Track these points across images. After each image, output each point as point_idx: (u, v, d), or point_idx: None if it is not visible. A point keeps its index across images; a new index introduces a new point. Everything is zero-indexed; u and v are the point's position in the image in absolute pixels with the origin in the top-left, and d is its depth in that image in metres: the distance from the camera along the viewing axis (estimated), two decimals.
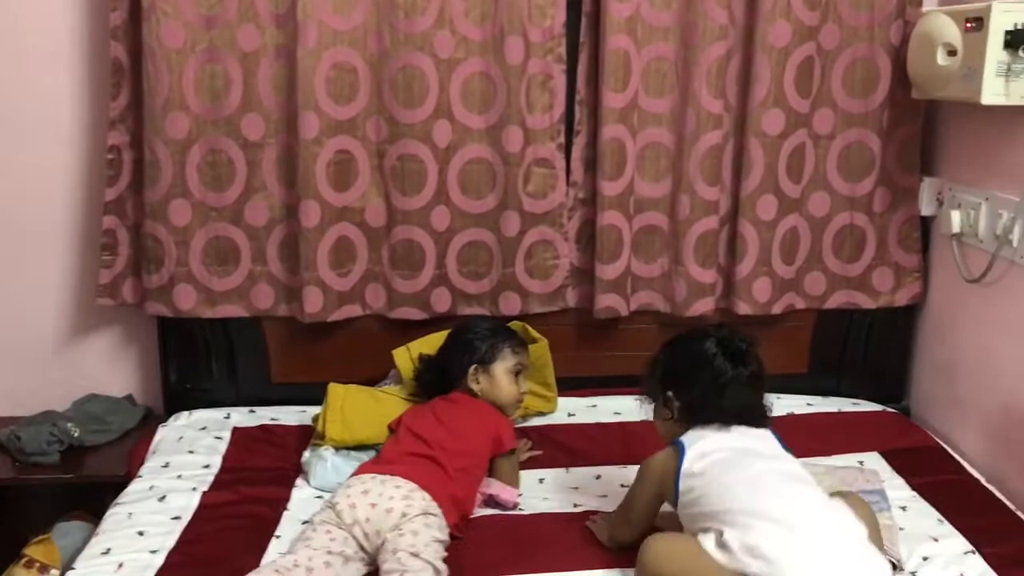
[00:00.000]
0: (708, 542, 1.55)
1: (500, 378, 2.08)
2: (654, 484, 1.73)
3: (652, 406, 1.83)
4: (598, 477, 2.12)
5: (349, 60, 2.19)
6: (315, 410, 2.17)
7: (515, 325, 2.28)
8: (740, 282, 2.38)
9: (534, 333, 2.31)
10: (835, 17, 2.28)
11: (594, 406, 2.40)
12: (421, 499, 1.76)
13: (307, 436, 2.16)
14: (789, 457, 1.71)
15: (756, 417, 1.74)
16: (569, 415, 2.37)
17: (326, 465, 2.01)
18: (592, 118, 2.32)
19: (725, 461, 1.65)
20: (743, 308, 2.39)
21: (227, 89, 2.19)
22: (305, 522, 1.85)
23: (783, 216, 2.36)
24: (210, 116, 2.20)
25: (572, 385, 2.43)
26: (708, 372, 1.72)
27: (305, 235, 2.24)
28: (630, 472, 2.08)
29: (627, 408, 2.36)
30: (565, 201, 2.36)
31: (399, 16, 2.18)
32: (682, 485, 1.65)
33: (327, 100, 2.19)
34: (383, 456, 1.95)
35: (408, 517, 1.71)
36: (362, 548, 1.71)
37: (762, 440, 1.72)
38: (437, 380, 2.12)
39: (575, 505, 1.97)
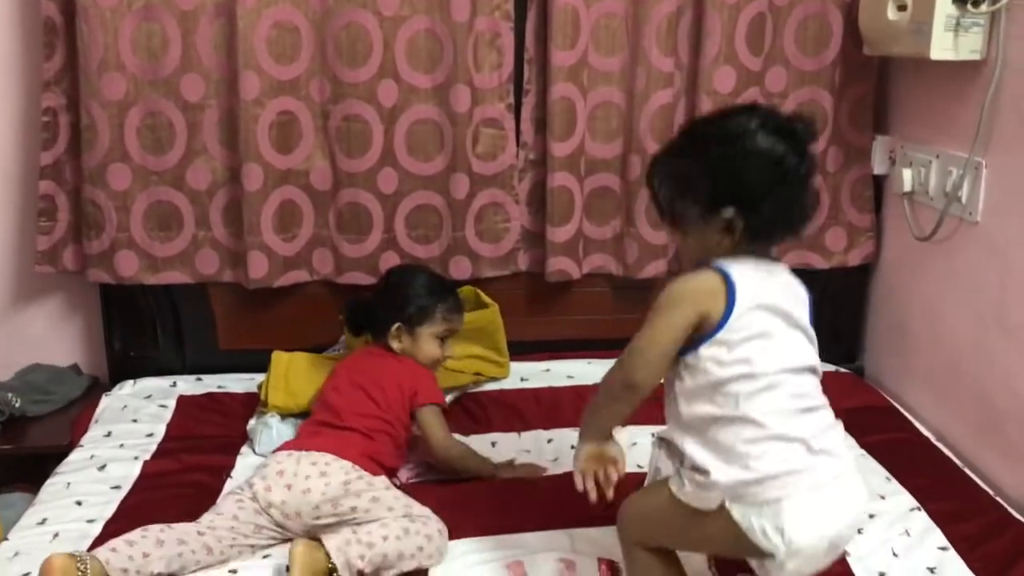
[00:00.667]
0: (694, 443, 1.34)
1: (423, 341, 1.98)
2: (694, 305, 1.32)
3: (679, 227, 1.39)
4: (550, 441, 2.10)
5: (290, 19, 2.13)
6: (262, 377, 2.14)
7: (466, 290, 2.25)
8: None
9: (485, 298, 2.29)
10: None
11: (547, 370, 2.38)
12: (339, 469, 1.72)
13: (254, 404, 2.14)
14: (807, 322, 1.40)
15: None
16: (522, 380, 2.35)
17: (271, 432, 1.99)
18: (541, 77, 2.28)
19: (764, 344, 1.32)
20: None
21: (165, 49, 2.13)
22: None
23: None
24: (148, 77, 2.14)
25: (525, 349, 2.41)
26: (784, 181, 1.30)
27: (248, 199, 2.19)
28: None
29: (580, 372, 2.35)
30: (515, 163, 2.33)
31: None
32: (728, 327, 1.30)
33: (268, 60, 2.13)
34: (301, 430, 1.92)
35: (330, 499, 1.67)
36: (279, 525, 1.68)
37: (788, 288, 1.40)
38: (367, 323, 2.04)
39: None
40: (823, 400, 1.38)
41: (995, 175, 1.94)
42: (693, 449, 1.35)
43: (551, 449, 2.05)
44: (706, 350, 1.32)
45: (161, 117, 2.17)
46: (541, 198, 2.35)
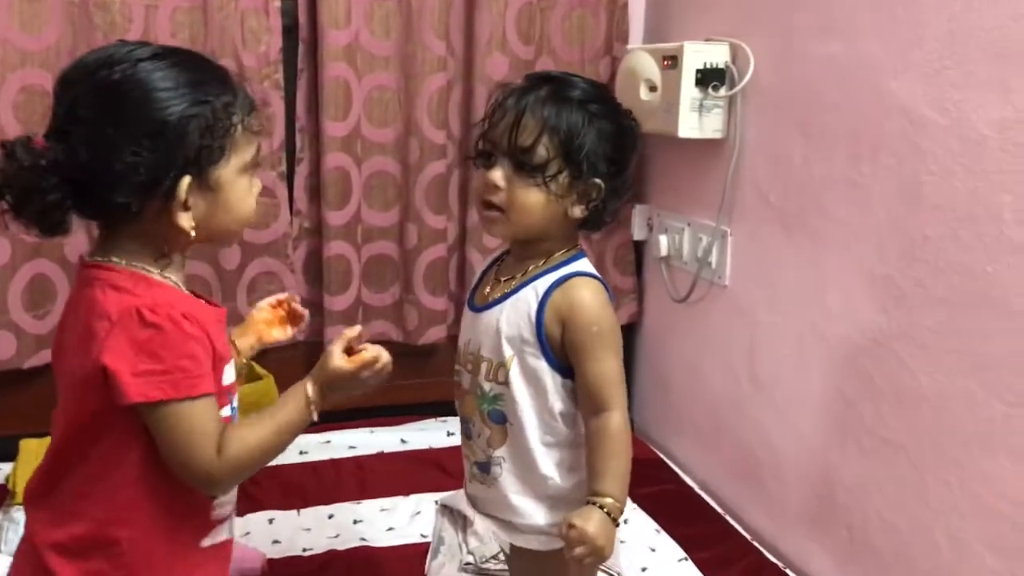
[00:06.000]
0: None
1: (231, 189, 1.11)
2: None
3: (544, 185, 1.26)
4: (331, 516, 2.05)
5: (40, 82, 2.01)
6: (9, 467, 1.96)
7: (237, 362, 2.17)
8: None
9: (259, 369, 2.21)
10: (549, 51, 2.37)
11: (328, 441, 2.33)
12: None
13: (1, 497, 1.94)
14: None
15: None
16: (301, 453, 2.28)
17: (18, 529, 1.81)
18: (314, 146, 2.26)
19: None
20: None
21: None
22: None
23: (505, 245, 2.41)
24: None
25: None
26: (633, 159, 1.33)
27: None
28: (364, 508, 2.05)
29: (362, 441, 2.33)
30: (289, 231, 2.29)
31: (97, 37, 2.02)
32: None
33: (15, 126, 1.99)
34: None
35: None
36: None
37: None
38: (87, 210, 1.06)
39: (304, 549, 1.89)
40: None
41: (739, 242, 2.12)
42: (556, 472, 1.34)
43: (332, 526, 2.01)
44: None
45: None
46: (317, 267, 2.32)
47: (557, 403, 1.31)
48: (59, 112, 1.05)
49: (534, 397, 1.30)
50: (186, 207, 1.06)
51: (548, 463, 1.33)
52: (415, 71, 2.25)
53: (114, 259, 1.08)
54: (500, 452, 1.34)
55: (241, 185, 1.12)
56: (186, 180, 1.05)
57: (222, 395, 1.12)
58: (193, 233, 1.08)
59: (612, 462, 1.27)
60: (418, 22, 2.23)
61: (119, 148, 1.01)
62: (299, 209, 2.30)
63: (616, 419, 1.27)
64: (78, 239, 2.06)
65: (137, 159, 1.01)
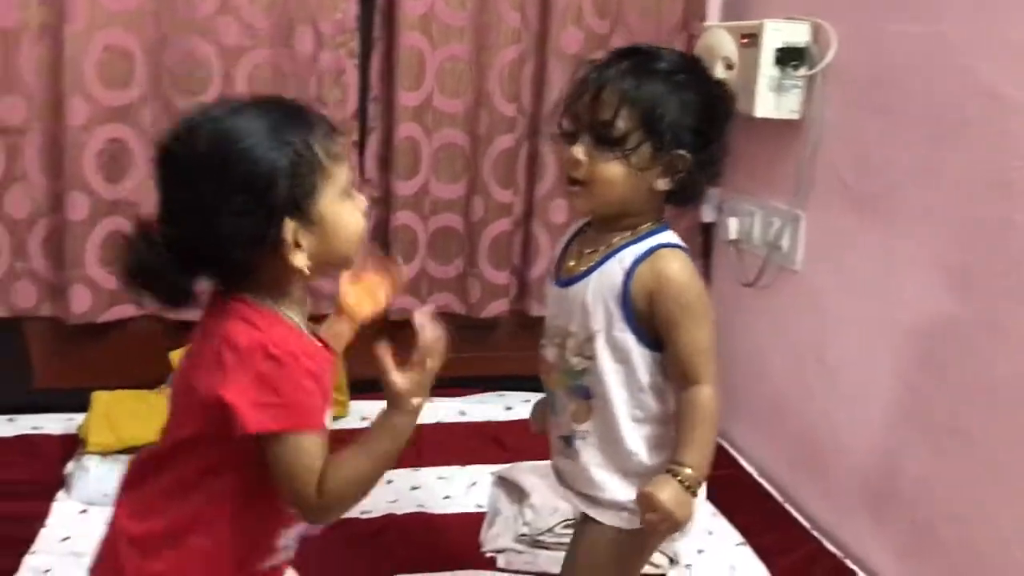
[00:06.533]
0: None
1: (336, 216, 1.11)
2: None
3: (626, 156, 1.23)
4: (390, 482, 2.07)
5: (123, 43, 2.05)
6: (82, 417, 2.01)
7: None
8: (534, 283, 2.40)
9: (324, 337, 2.24)
10: (624, 26, 2.34)
11: None
12: None
13: (73, 446, 2.00)
14: None
15: None
16: (362, 419, 2.30)
17: (87, 476, 1.87)
18: (386, 116, 2.27)
19: None
20: (537, 309, 2.42)
21: None
22: (66, 538, 1.71)
23: (574, 220, 2.40)
24: None
25: (366, 388, 2.35)
26: (727, 123, 1.31)
27: (72, 229, 2.08)
28: (422, 475, 2.07)
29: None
30: None
31: (178, 1, 2.07)
32: None
33: (98, 85, 2.04)
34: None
35: None
36: None
37: None
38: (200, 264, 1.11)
39: (362, 512, 1.91)
40: None
41: (812, 227, 2.08)
42: (643, 448, 1.31)
43: (391, 490, 2.02)
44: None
45: None
46: (384, 237, 2.34)
47: (645, 376, 1.28)
48: (162, 193, 1.08)
49: (621, 371, 1.28)
50: (297, 246, 1.08)
51: (635, 438, 1.31)
52: (489, 42, 2.24)
53: (247, 296, 1.11)
54: (584, 426, 1.33)
55: (344, 210, 1.12)
56: (290, 225, 1.06)
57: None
58: (308, 271, 1.09)
59: (695, 432, 1.25)
60: None
61: (219, 212, 1.03)
62: (369, 178, 2.32)
63: (705, 392, 1.25)
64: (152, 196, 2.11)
65: (238, 218, 1.04)
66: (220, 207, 1.03)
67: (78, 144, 2.04)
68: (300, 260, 1.08)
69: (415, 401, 1.14)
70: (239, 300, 1.10)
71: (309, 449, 1.07)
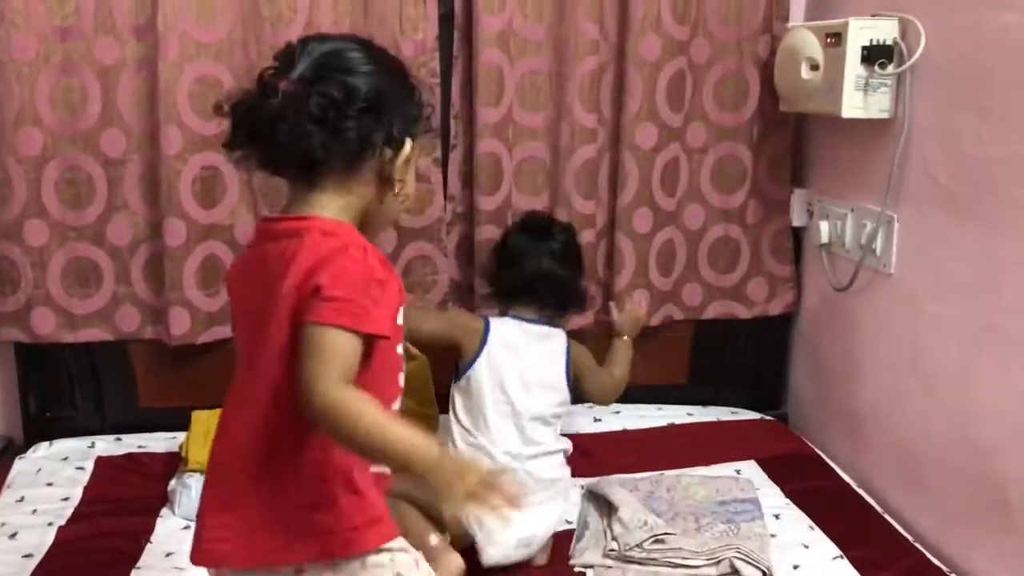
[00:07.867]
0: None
1: (411, 170, 1.27)
2: (455, 328, 2.01)
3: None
4: None
5: (214, 73, 2.12)
6: (184, 436, 2.09)
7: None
8: (618, 294, 2.39)
9: (413, 350, 2.26)
10: (704, 31, 2.31)
11: None
12: None
13: (176, 464, 2.08)
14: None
15: (565, 294, 2.03)
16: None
17: (190, 493, 1.93)
18: (468, 132, 2.30)
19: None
20: None
21: (84, 104, 2.09)
22: (170, 554, 1.77)
23: (659, 229, 2.38)
24: (67, 132, 2.10)
25: None
26: (513, 247, 2.06)
27: (170, 254, 2.16)
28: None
29: None
30: (443, 216, 2.33)
31: (265, 28, 2.13)
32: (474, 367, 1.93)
33: (191, 114, 2.11)
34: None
35: None
36: None
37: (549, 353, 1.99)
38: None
39: None
40: None
41: (906, 229, 2.01)
42: None
43: None
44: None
45: (80, 172, 2.13)
46: (469, 251, 2.36)
47: None
48: (302, 62, 1.17)
49: None
50: (407, 161, 1.21)
51: None
52: (567, 55, 2.24)
53: (317, 212, 1.20)
54: None
55: (410, 184, 1.26)
56: (413, 145, 1.21)
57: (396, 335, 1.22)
58: (403, 199, 1.24)
59: None
60: (571, 5, 2.21)
61: (349, 102, 1.16)
62: (452, 194, 2.34)
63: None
64: (247, 225, 2.18)
65: (361, 117, 1.16)
66: (350, 99, 1.15)
67: (174, 172, 2.12)
68: (400, 174, 1.21)
69: (452, 469, 1.11)
70: (310, 218, 1.19)
71: (353, 349, 1.12)
